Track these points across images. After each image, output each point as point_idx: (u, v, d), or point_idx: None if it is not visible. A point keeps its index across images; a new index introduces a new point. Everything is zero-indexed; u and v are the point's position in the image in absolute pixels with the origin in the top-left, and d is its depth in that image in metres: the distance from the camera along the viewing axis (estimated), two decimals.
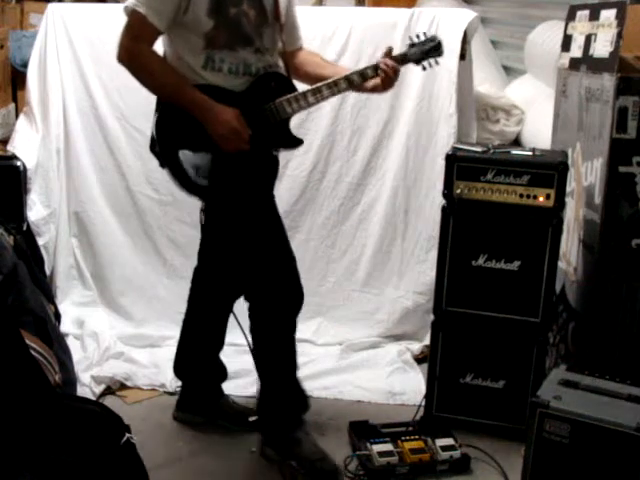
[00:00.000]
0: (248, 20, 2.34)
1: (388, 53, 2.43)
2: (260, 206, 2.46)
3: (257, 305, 2.48)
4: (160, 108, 2.36)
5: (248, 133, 2.33)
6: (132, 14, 2.26)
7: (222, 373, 2.87)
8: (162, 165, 2.37)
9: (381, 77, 2.41)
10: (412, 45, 2.47)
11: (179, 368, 2.85)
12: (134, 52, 2.27)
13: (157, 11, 2.25)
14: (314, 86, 2.40)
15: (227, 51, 2.32)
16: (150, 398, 2.98)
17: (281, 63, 2.51)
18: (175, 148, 2.32)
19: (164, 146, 2.34)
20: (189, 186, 2.34)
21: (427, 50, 2.46)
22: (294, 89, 2.43)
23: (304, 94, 2.39)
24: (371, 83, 2.45)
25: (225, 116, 2.29)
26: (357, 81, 2.41)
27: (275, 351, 2.52)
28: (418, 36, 2.48)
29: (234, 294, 2.67)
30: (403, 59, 2.45)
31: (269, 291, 2.45)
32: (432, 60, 2.49)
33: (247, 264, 2.46)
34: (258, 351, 2.54)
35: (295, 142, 2.53)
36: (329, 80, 2.40)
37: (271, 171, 2.58)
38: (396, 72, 2.42)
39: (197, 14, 2.27)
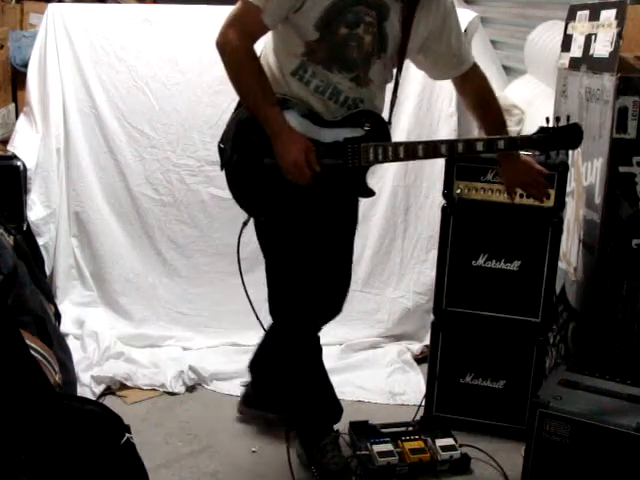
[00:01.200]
0: (359, 45, 2.13)
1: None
2: (309, 241, 2.30)
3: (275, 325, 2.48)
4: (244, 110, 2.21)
5: (315, 170, 2.12)
6: (245, 3, 2.09)
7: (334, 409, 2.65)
8: (223, 167, 2.25)
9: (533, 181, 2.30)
10: (546, 130, 2.20)
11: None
12: (233, 45, 2.09)
13: (272, 9, 2.08)
14: (414, 141, 2.24)
15: (322, 69, 2.15)
16: (150, 398, 2.98)
17: (379, 98, 2.28)
18: (250, 156, 2.19)
19: (240, 150, 2.20)
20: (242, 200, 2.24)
21: (559, 140, 2.21)
22: (387, 137, 2.21)
23: (395, 146, 2.17)
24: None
25: (292, 146, 2.10)
26: (500, 147, 2.22)
27: (298, 363, 2.50)
28: (558, 119, 2.20)
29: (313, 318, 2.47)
30: (528, 142, 2.24)
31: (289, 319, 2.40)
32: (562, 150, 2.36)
33: (274, 283, 2.38)
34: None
35: (367, 193, 2.30)
36: (429, 140, 2.27)
37: (340, 213, 2.39)
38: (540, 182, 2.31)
39: (305, 22, 2.10)
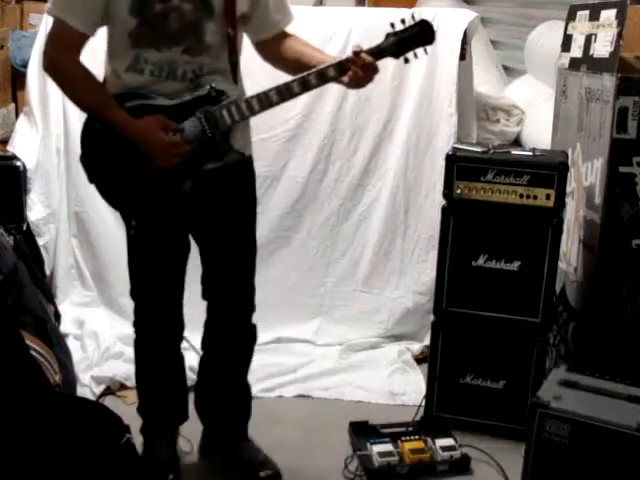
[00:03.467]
0: (179, 16, 2.05)
1: (358, 52, 2.08)
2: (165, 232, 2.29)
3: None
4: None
5: (178, 142, 2.09)
6: (54, 21, 2.08)
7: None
8: (91, 180, 2.24)
9: (349, 75, 2.09)
10: (391, 35, 2.11)
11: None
12: (55, 62, 2.10)
13: (75, 12, 2.05)
14: (261, 92, 2.10)
15: (153, 51, 2.07)
16: None
17: (224, 61, 2.16)
18: (103, 161, 2.17)
19: (90, 157, 2.18)
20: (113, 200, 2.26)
21: (409, 39, 2.09)
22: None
23: (248, 101, 2.11)
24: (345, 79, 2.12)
25: (147, 128, 2.06)
26: (313, 83, 2.11)
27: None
28: (404, 21, 2.11)
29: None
30: (376, 52, 2.09)
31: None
32: (418, 51, 2.12)
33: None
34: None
35: (233, 155, 2.19)
36: (280, 84, 2.10)
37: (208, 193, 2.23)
38: (367, 69, 2.08)
39: (118, 12, 2.04)
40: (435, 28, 2.13)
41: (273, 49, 2.27)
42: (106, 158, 2.15)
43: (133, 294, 2.50)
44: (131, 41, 2.06)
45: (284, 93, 2.11)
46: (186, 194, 2.15)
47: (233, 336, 2.44)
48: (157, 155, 2.07)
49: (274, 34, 2.26)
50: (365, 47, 2.10)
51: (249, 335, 2.45)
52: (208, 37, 2.10)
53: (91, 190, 3.58)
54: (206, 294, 2.43)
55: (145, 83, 2.10)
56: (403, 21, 2.10)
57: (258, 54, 2.32)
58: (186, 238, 2.35)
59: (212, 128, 2.11)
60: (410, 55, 2.13)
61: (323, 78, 2.11)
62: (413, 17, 2.11)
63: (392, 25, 2.10)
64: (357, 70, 2.07)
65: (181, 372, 2.54)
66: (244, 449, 2.49)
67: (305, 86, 2.11)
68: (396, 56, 2.12)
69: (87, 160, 2.18)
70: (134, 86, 2.11)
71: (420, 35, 2.11)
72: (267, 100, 2.11)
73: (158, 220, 2.24)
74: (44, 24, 3.44)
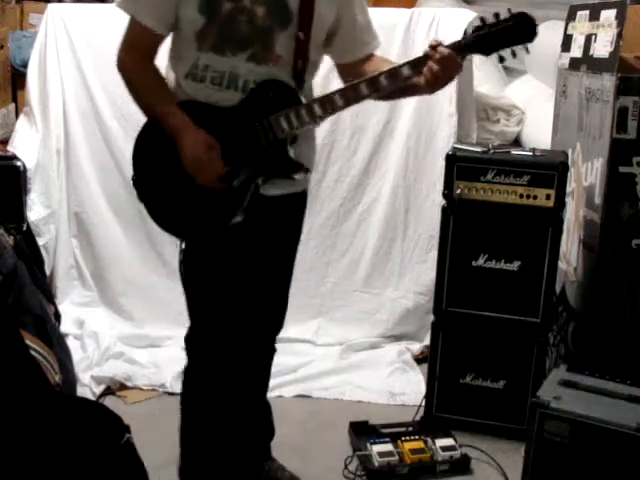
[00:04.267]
0: (250, 19, 1.87)
1: (435, 45, 1.85)
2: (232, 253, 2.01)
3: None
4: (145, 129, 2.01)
5: (221, 168, 1.91)
6: (129, 21, 1.96)
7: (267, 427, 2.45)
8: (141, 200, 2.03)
9: (424, 72, 1.84)
10: (479, 28, 1.85)
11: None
12: (128, 68, 1.96)
13: (148, 8, 1.90)
14: (323, 95, 1.93)
15: (214, 55, 1.91)
16: (150, 398, 2.98)
17: (289, 78, 1.95)
18: (153, 178, 2.00)
19: (141, 178, 2.01)
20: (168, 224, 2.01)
21: (501, 34, 1.82)
22: (297, 101, 1.93)
23: (309, 106, 1.91)
24: (417, 80, 1.88)
25: (191, 141, 1.89)
26: (384, 84, 1.87)
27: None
28: (497, 15, 1.84)
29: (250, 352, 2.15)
30: (458, 47, 1.85)
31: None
32: (516, 48, 1.86)
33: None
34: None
35: (296, 167, 1.99)
36: (346, 85, 1.91)
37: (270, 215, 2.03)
38: (445, 64, 1.83)
39: (188, 9, 1.88)
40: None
41: (356, 71, 2.03)
42: (157, 180, 1.99)
43: (195, 332, 2.13)
44: (196, 42, 1.91)
45: (350, 96, 1.90)
46: (235, 223, 1.95)
47: (260, 356, 2.28)
48: (193, 168, 1.91)
49: (360, 58, 2.05)
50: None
51: (272, 353, 2.33)
52: (278, 47, 1.91)
53: (91, 190, 3.61)
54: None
55: (204, 92, 1.94)
56: (497, 15, 1.84)
57: (338, 75, 2.13)
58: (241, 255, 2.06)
59: (268, 137, 1.93)
60: (506, 53, 1.87)
61: (395, 77, 1.87)
62: (510, 11, 1.84)
63: (482, 19, 1.86)
64: (433, 65, 1.82)
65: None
66: (269, 469, 2.41)
67: (374, 87, 1.88)
68: (486, 52, 1.87)
69: (138, 180, 2.01)
70: (193, 95, 1.95)
71: (516, 30, 1.82)
72: (330, 104, 1.90)
73: (207, 244, 2.03)
74: (44, 24, 3.44)
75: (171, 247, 3.51)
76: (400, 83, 1.89)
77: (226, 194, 1.94)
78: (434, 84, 1.87)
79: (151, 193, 2.00)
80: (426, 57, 1.85)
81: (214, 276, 2.03)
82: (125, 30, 1.96)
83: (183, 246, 2.06)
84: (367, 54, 2.06)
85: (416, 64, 1.86)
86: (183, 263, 2.07)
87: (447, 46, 1.85)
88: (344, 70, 2.09)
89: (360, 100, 1.91)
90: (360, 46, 2.06)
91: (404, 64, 1.88)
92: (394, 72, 1.88)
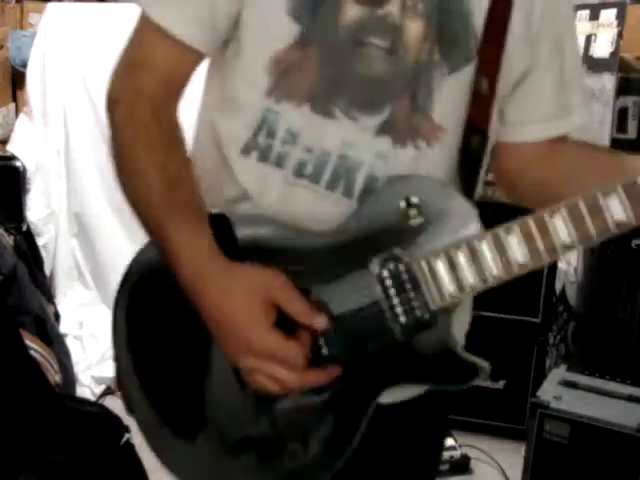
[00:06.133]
0: (393, 45, 0.98)
1: None
2: None
3: None
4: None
5: (303, 357, 0.94)
6: (141, 22, 1.01)
7: None
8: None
9: None
10: None
11: None
12: (123, 114, 1.00)
13: (185, 5, 0.99)
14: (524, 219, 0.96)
15: (310, 112, 0.99)
16: None
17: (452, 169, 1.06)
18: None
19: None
20: None
21: None
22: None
23: (496, 237, 0.97)
24: None
25: (241, 301, 0.94)
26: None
27: None
28: None
29: None
30: None
31: None
32: None
33: None
34: None
35: (474, 372, 1.19)
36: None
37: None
38: None
39: (267, 7, 0.97)
40: None
41: (531, 171, 1.15)
42: (163, 379, 1.07)
43: None
44: (271, 78, 0.99)
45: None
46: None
47: None
48: (240, 360, 0.95)
49: (547, 138, 1.13)
50: None
51: None
52: (439, 108, 1.00)
53: (91, 190, 3.61)
54: None
55: (282, 190, 1.01)
56: None
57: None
58: None
59: (410, 310, 0.99)
60: None
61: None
62: None
63: None
64: None
65: None
66: None
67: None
68: None
69: (126, 374, 1.09)
70: (258, 198, 1.02)
71: None
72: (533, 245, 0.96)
73: None
74: (43, 23, 3.45)
75: None
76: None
77: (313, 415, 1.01)
78: None
79: (153, 405, 1.08)
80: None
81: None
82: (129, 49, 1.02)
83: None
84: (562, 133, 1.15)
85: None
86: None
87: None
88: (504, 161, 1.15)
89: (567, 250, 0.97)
90: (558, 111, 1.13)
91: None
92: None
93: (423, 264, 0.97)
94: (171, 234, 0.96)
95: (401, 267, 0.98)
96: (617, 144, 2.45)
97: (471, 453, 2.58)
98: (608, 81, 2.48)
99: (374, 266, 0.98)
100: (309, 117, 0.99)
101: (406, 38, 0.97)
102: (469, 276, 0.99)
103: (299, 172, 1.01)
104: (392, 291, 0.98)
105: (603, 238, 0.96)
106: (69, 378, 2.56)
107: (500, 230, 0.97)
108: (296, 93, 0.99)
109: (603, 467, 2.07)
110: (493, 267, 0.99)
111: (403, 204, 0.98)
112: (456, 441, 2.60)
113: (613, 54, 2.48)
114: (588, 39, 2.72)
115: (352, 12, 0.97)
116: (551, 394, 2.18)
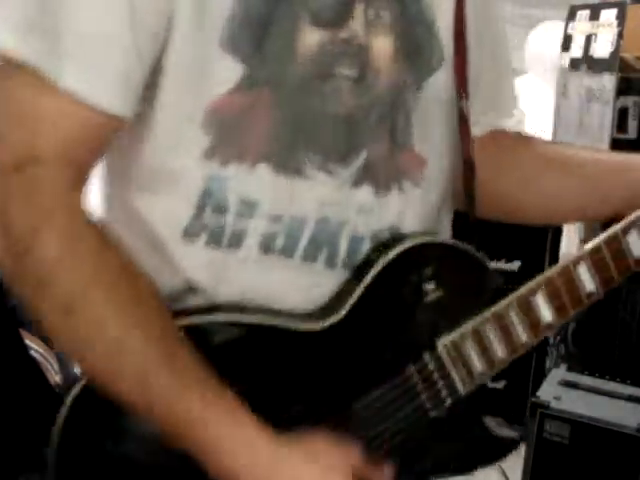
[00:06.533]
0: (362, 72, 0.80)
1: None
2: None
3: None
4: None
5: None
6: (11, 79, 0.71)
7: None
8: None
9: None
10: None
11: None
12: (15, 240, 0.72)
13: (98, 55, 0.72)
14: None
15: (268, 173, 0.78)
16: None
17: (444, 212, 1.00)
18: None
19: None
20: None
21: None
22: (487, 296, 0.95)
23: (526, 302, 0.94)
24: None
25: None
26: None
27: None
28: None
29: None
30: None
31: None
32: None
33: None
34: None
35: (496, 447, 1.13)
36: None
37: None
38: None
39: (198, 47, 0.74)
40: None
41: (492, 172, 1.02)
42: None
43: None
44: (212, 135, 0.77)
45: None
46: None
47: None
48: None
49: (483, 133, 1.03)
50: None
51: None
52: (418, 135, 0.86)
53: (91, 190, 3.61)
54: None
55: (239, 280, 0.80)
56: None
57: None
58: None
59: (440, 398, 0.89)
60: None
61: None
62: None
63: None
64: None
65: None
66: None
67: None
68: None
69: None
70: (223, 290, 0.80)
71: None
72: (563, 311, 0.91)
73: None
74: None
75: None
76: None
77: None
78: None
79: None
80: None
81: None
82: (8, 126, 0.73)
83: None
84: (500, 124, 1.10)
85: None
86: None
87: None
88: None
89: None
90: (505, 102, 1.10)
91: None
92: None
93: (450, 349, 0.86)
94: (196, 420, 0.69)
95: (427, 358, 0.85)
96: (617, 144, 2.45)
97: None
98: (608, 81, 2.48)
99: (400, 365, 0.83)
100: (270, 179, 0.77)
101: (375, 60, 0.80)
102: (499, 351, 0.95)
103: (266, 248, 0.79)
104: (420, 386, 0.85)
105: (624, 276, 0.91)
106: (69, 378, 2.56)
107: (524, 291, 0.93)
108: (248, 150, 0.76)
109: (603, 467, 2.07)
110: (522, 335, 0.94)
111: (415, 278, 0.82)
112: None
113: (613, 54, 2.48)
114: (588, 39, 2.71)
115: (311, 38, 0.76)
116: (551, 394, 2.18)
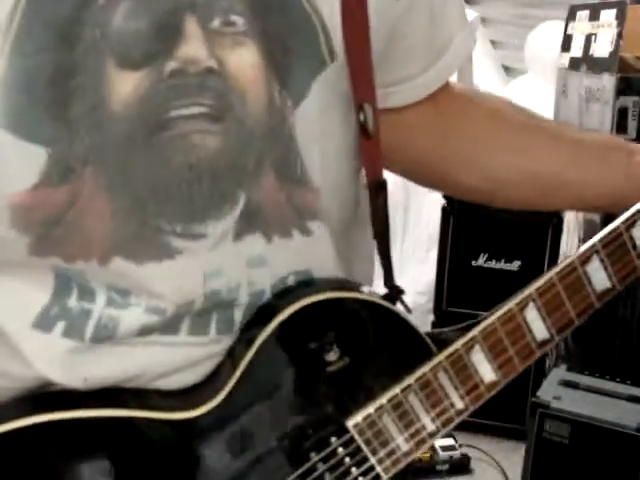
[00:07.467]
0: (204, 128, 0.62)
1: None
2: None
3: None
4: None
5: None
6: None
7: None
8: None
9: None
10: None
11: None
12: None
13: None
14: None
15: (129, 265, 0.62)
16: None
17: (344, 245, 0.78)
18: None
19: None
20: None
21: None
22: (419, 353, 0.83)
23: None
24: None
25: None
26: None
27: None
28: None
29: None
30: None
31: None
32: None
33: None
34: None
35: None
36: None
37: None
38: None
39: None
40: None
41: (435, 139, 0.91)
42: None
43: None
44: (35, 235, 0.60)
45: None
46: None
47: None
48: None
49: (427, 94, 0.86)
50: None
51: None
52: (310, 164, 0.68)
53: None
54: None
55: (108, 369, 0.66)
56: None
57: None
58: None
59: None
60: None
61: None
62: None
63: None
64: None
65: None
66: None
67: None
68: None
69: None
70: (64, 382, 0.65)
71: None
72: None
73: None
74: None
75: None
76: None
77: None
78: None
79: None
80: None
81: None
82: None
83: None
84: (444, 76, 0.92)
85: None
86: None
87: None
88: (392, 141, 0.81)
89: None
90: (434, 56, 0.86)
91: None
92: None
93: (364, 427, 0.69)
94: None
95: (334, 442, 0.68)
96: None
97: (471, 453, 2.58)
98: (608, 81, 2.48)
99: (299, 456, 0.66)
100: (133, 270, 0.62)
101: (234, 81, 0.60)
102: (428, 423, 0.73)
103: (143, 332, 0.65)
104: (329, 478, 0.67)
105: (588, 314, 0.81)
106: None
107: (458, 345, 0.77)
108: (90, 248, 0.61)
109: (603, 467, 2.07)
110: (457, 401, 0.76)
111: (313, 345, 0.67)
112: (456, 441, 2.60)
113: (613, 54, 2.48)
114: (588, 39, 2.71)
115: (126, 85, 0.57)
116: (551, 394, 2.18)
